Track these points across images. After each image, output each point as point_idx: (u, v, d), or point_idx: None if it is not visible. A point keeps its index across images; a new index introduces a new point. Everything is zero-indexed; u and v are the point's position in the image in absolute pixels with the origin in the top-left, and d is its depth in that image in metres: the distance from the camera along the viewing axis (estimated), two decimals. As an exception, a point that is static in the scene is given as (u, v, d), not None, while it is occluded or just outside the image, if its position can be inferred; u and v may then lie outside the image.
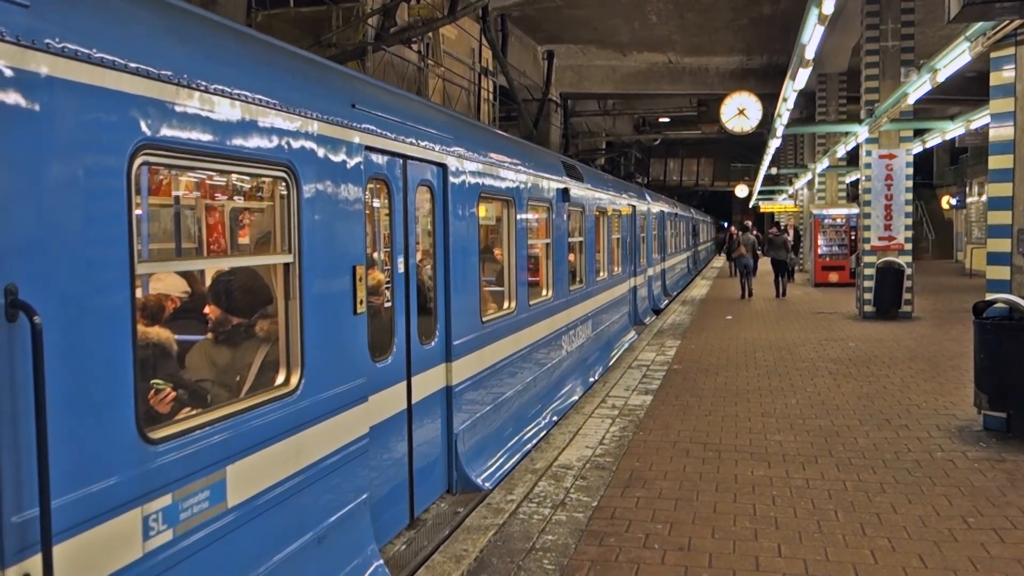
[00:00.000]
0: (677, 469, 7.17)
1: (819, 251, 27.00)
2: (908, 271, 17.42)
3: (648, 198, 21.96)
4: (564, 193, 10.60)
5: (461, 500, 6.72)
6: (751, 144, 42.99)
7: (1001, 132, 8.58)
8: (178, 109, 3.36)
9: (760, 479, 6.87)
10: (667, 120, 39.57)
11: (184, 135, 3.40)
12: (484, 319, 7.54)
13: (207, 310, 4.72)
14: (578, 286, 11.79)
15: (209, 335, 4.69)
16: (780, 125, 21.18)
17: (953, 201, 41.01)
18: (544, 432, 8.83)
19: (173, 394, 3.99)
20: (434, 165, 6.41)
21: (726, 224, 54.39)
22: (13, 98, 2.62)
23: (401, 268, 5.86)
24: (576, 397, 10.67)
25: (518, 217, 8.58)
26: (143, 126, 3.16)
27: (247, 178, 5.58)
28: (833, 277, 26.67)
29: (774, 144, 26.44)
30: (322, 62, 5.25)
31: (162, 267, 5.36)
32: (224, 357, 4.61)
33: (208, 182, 6.04)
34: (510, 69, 17.81)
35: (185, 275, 5.66)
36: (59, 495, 2.75)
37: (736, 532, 5.71)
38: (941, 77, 11.96)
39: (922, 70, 12.56)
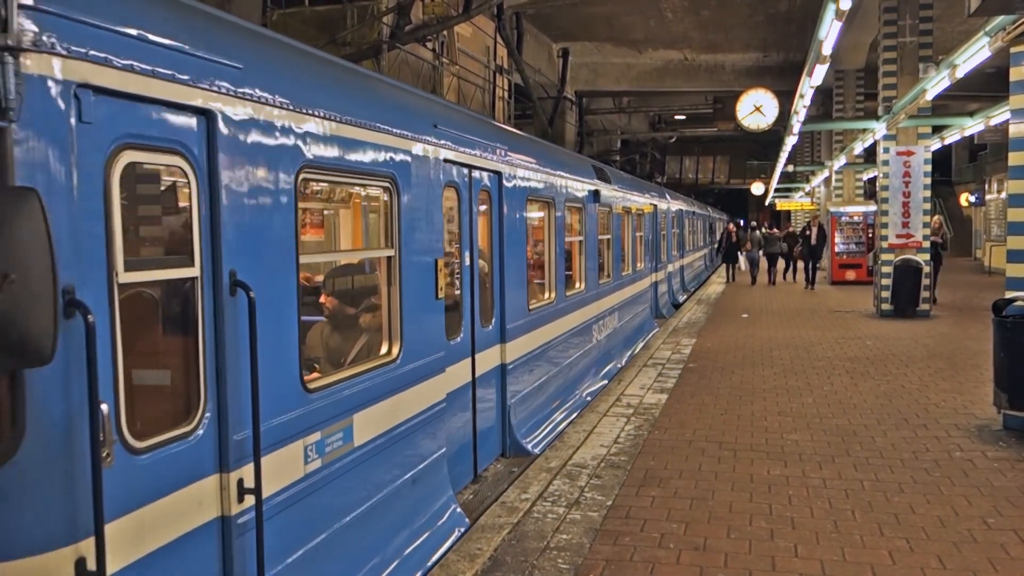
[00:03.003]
0: (692, 468, 7.13)
1: (836, 249, 26.84)
2: (926, 269, 17.27)
3: (668, 197, 22.34)
4: (595, 194, 11.53)
5: (514, 462, 7.68)
6: (767, 141, 42.76)
7: (1021, 128, 8.49)
8: (325, 137, 4.37)
9: (776, 478, 6.82)
10: (683, 117, 39.40)
11: (328, 156, 4.42)
12: (531, 307, 8.54)
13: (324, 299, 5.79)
14: (606, 280, 12.61)
15: (336, 313, 5.76)
16: (797, 122, 21.03)
17: (972, 198, 40.62)
18: (578, 410, 9.70)
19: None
20: (492, 173, 7.41)
21: (742, 222, 54.05)
22: (230, 133, 3.57)
23: (468, 261, 6.87)
24: (606, 381, 11.52)
25: (557, 216, 9.60)
26: (305, 151, 4.17)
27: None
28: (850, 275, 26.50)
29: (791, 141, 26.26)
30: (411, 90, 6.35)
31: (310, 259, 6.04)
32: (347, 331, 5.68)
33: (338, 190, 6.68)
34: (525, 67, 17.75)
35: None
36: (262, 423, 3.66)
37: (752, 532, 5.68)
38: (960, 73, 11.85)
39: (940, 66, 12.45)
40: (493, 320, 7.51)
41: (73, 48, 2.80)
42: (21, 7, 2.63)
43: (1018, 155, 8.55)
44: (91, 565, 2.80)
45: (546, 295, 9.40)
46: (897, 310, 17.38)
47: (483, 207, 7.35)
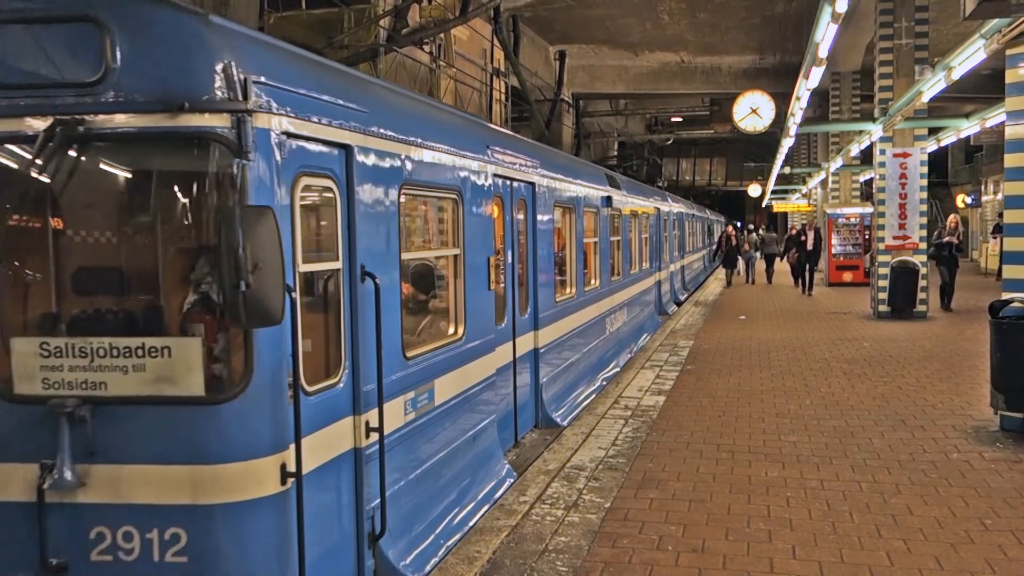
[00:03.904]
0: (691, 470, 7.14)
1: (833, 251, 26.84)
2: (923, 270, 17.29)
3: (669, 200, 22.97)
4: (607, 200, 12.78)
5: (545, 433, 8.96)
6: (764, 143, 42.77)
7: (1017, 130, 8.51)
8: (416, 159, 5.56)
9: (774, 480, 6.83)
10: (679, 120, 39.38)
11: (418, 173, 5.61)
12: (557, 299, 9.81)
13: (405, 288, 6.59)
14: (616, 278, 13.74)
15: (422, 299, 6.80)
16: (793, 124, 21.07)
17: (968, 200, 40.67)
18: (596, 392, 10.84)
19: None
20: (527, 184, 8.68)
21: (739, 224, 53.99)
22: (361, 160, 4.74)
23: (509, 259, 8.12)
24: (618, 368, 12.80)
25: (577, 220, 10.84)
26: (405, 171, 5.37)
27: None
28: (847, 277, 26.51)
29: (787, 143, 26.32)
30: (471, 117, 7.89)
31: (406, 256, 6.80)
32: (420, 314, 6.64)
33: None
34: (522, 70, 17.73)
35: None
36: (384, 378, 4.83)
37: (750, 534, 5.69)
38: (956, 75, 11.87)
39: (936, 68, 12.47)
40: (528, 310, 8.83)
41: (279, 107, 3.98)
42: (253, 82, 3.81)
43: (1014, 157, 8.57)
44: (291, 467, 3.96)
45: (568, 290, 10.66)
46: (894, 311, 17.39)
47: (520, 213, 8.61)
